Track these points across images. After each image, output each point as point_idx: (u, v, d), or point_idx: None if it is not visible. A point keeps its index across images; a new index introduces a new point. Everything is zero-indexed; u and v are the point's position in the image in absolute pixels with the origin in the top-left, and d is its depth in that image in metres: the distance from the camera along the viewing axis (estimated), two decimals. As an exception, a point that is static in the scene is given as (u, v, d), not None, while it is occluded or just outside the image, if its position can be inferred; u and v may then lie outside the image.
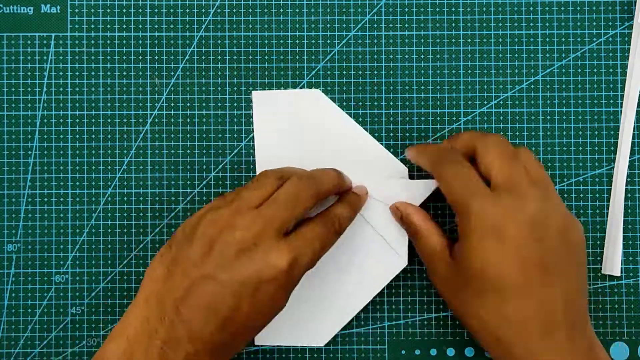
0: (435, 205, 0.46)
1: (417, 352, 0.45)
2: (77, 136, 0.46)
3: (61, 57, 0.46)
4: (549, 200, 0.38)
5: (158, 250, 0.39)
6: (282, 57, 0.46)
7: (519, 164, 0.39)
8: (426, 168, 0.42)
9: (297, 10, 0.46)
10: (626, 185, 0.45)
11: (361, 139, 0.45)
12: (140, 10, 0.46)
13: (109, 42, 0.46)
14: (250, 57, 0.46)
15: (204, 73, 0.46)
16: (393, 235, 0.44)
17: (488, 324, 0.38)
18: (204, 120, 0.46)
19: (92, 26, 0.46)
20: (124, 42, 0.46)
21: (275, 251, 0.36)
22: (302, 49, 0.46)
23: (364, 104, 0.46)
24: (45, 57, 0.46)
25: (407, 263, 0.44)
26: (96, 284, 0.45)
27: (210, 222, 0.38)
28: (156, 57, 0.46)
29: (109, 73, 0.46)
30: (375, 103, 0.46)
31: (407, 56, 0.46)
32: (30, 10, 0.46)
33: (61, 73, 0.46)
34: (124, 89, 0.46)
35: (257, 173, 0.45)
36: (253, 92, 0.46)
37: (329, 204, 0.42)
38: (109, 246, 0.45)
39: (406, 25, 0.46)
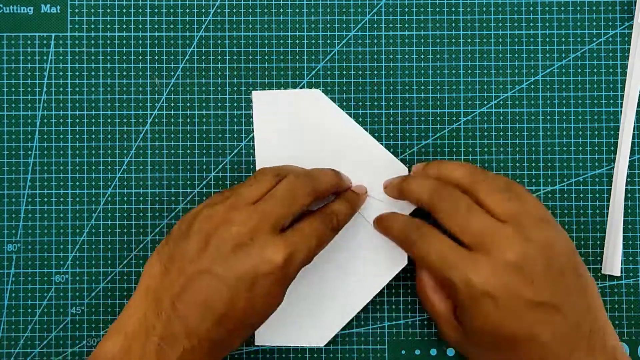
0: (435, 205, 0.46)
1: (417, 352, 0.45)
2: (77, 136, 0.46)
3: (61, 57, 0.46)
4: (523, 237, 0.37)
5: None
6: (282, 57, 0.46)
7: (478, 214, 0.38)
8: (396, 244, 0.42)
9: (297, 10, 0.46)
10: (626, 185, 0.45)
11: (361, 139, 0.45)
12: (140, 10, 0.46)
13: (109, 42, 0.46)
14: (250, 57, 0.46)
15: (204, 73, 0.46)
16: (393, 235, 0.44)
17: None
18: (204, 120, 0.46)
19: (92, 26, 0.46)
20: (124, 42, 0.46)
21: (271, 246, 0.36)
22: (302, 49, 0.46)
23: (364, 104, 0.46)
24: (45, 57, 0.46)
25: (407, 262, 0.44)
26: (96, 284, 0.45)
27: (206, 218, 0.38)
28: (156, 57, 0.46)
29: (109, 73, 0.46)
30: (375, 103, 0.46)
31: (407, 56, 0.46)
32: (30, 10, 0.46)
33: (61, 73, 0.46)
34: (124, 89, 0.46)
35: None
36: (253, 92, 0.46)
37: (328, 204, 0.42)
38: (109, 246, 0.45)
39: (406, 25, 0.46)
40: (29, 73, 0.46)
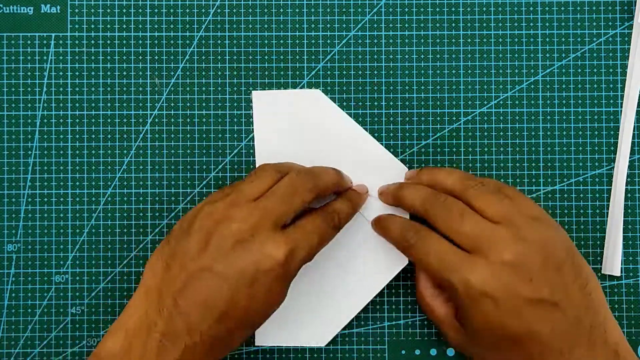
0: (435, 205, 0.46)
1: (417, 352, 0.45)
2: (77, 136, 0.46)
3: (61, 57, 0.46)
4: (518, 237, 0.37)
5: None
6: (282, 57, 0.46)
7: (471, 218, 0.38)
8: (394, 245, 0.42)
9: (297, 10, 0.46)
10: (626, 185, 0.45)
11: (361, 139, 0.45)
12: (140, 10, 0.46)
13: (109, 42, 0.46)
14: (250, 57, 0.46)
15: (204, 73, 0.46)
16: (393, 235, 0.44)
17: None
18: (204, 120, 0.46)
19: (92, 26, 0.46)
20: (124, 42, 0.46)
21: (272, 242, 0.36)
22: (302, 49, 0.46)
23: (364, 104, 0.46)
24: (45, 57, 0.46)
25: (407, 262, 0.44)
26: (96, 284, 0.45)
27: (207, 215, 0.38)
28: (156, 57, 0.46)
29: (109, 73, 0.46)
30: (375, 103, 0.46)
31: (407, 56, 0.46)
32: (30, 10, 0.46)
33: (61, 73, 0.46)
34: (124, 89, 0.46)
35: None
36: (253, 92, 0.46)
37: (329, 204, 0.42)
38: (109, 246, 0.45)
39: (406, 25, 0.46)
40: (29, 73, 0.46)
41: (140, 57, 0.46)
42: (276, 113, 0.45)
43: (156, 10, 0.46)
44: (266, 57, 0.46)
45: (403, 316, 0.45)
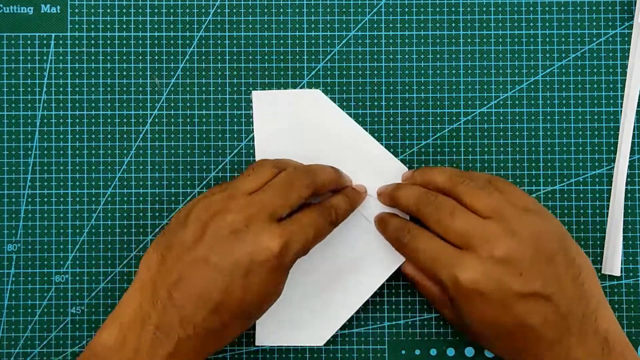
0: (435, 205, 0.46)
1: (417, 352, 0.45)
2: (77, 136, 0.46)
3: (61, 57, 0.46)
4: (508, 230, 0.37)
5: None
6: (282, 57, 0.46)
7: (461, 214, 0.39)
8: (390, 244, 0.43)
9: (297, 10, 0.46)
10: (626, 185, 0.45)
11: (361, 139, 0.45)
12: (140, 10, 0.46)
13: (109, 42, 0.46)
14: (250, 57, 0.46)
15: (204, 73, 0.46)
16: (393, 235, 0.44)
17: (500, 351, 0.40)
18: (204, 120, 0.46)
19: (92, 26, 0.46)
20: (124, 42, 0.46)
21: (267, 233, 0.37)
22: (302, 49, 0.46)
23: (364, 104, 0.46)
24: (45, 57, 0.46)
25: (404, 260, 0.44)
26: (96, 284, 0.45)
27: (203, 207, 0.38)
28: (156, 57, 0.46)
29: (109, 73, 0.46)
30: (375, 103, 0.46)
31: (407, 56, 0.46)
32: (30, 10, 0.46)
33: (61, 73, 0.46)
34: (124, 89, 0.46)
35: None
36: (253, 92, 0.46)
37: (328, 204, 0.42)
38: (109, 246, 0.45)
39: (406, 25, 0.46)
40: (29, 73, 0.46)
41: (140, 57, 0.46)
42: (276, 113, 0.45)
43: (156, 10, 0.46)
44: (266, 57, 0.46)
45: (403, 316, 0.45)
